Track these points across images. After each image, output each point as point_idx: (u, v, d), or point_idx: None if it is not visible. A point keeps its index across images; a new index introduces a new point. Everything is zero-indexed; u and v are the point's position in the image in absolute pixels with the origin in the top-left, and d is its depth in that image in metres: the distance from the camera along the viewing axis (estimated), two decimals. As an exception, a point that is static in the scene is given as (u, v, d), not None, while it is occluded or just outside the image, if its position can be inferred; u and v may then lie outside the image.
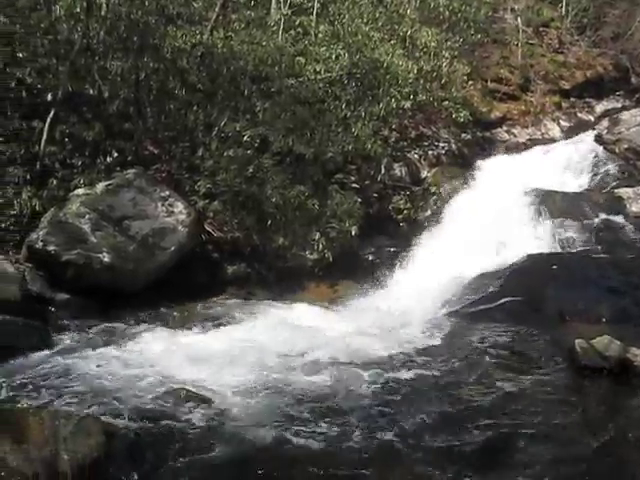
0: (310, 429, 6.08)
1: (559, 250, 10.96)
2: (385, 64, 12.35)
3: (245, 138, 11.11)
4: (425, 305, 9.74)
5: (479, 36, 16.09)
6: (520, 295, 9.67)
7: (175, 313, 9.66)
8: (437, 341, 8.63)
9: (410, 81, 12.83)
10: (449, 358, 7.97)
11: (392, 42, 13.42)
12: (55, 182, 10.25)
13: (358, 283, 11.09)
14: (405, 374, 7.42)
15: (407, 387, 7.04)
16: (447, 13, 15.60)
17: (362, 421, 6.28)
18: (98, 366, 7.39)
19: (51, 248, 9.49)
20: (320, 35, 13.40)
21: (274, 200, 10.86)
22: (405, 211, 12.72)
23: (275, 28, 13.43)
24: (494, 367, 7.71)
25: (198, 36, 12.07)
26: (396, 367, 7.63)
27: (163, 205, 10.15)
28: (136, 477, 5.33)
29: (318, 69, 12.47)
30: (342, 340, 8.36)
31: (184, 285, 10.23)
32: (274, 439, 5.91)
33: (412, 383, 7.19)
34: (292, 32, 13.43)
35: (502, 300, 9.63)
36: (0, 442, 5.21)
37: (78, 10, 11.18)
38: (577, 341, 7.72)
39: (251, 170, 10.94)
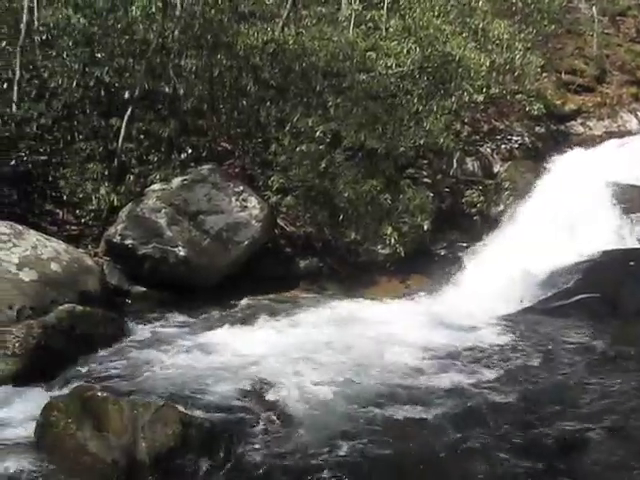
0: (387, 425, 6.02)
1: (637, 246, 10.68)
2: (457, 57, 12.19)
3: (317, 133, 11.15)
4: (498, 301, 9.60)
5: (553, 27, 15.77)
6: (596, 292, 9.44)
7: (248, 307, 9.75)
8: (512, 338, 8.46)
9: (482, 74, 12.65)
10: (525, 355, 7.80)
11: (464, 35, 13.24)
12: (132, 178, 10.50)
13: (430, 278, 11.03)
14: (481, 371, 7.31)
15: (484, 384, 6.92)
16: (520, 4, 15.38)
17: (440, 416, 6.20)
18: (174, 357, 7.49)
19: (128, 242, 9.73)
20: (391, 29, 13.34)
21: (346, 195, 10.88)
22: (478, 206, 12.58)
23: (346, 23, 13.44)
24: (571, 365, 7.53)
25: (270, 33, 12.15)
26: (471, 364, 7.52)
27: (237, 200, 10.28)
28: (211, 466, 5.37)
29: (389, 64, 12.41)
30: (415, 336, 8.29)
31: (257, 279, 10.36)
32: (347, 434, 5.89)
33: (489, 380, 7.06)
34: (363, 27, 13.41)
35: (577, 297, 9.42)
36: (81, 429, 5.36)
37: (153, 10, 11.43)
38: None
39: (323, 165, 10.99)
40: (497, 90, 13.65)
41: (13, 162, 10.23)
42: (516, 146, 13.98)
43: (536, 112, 14.06)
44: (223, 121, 11.80)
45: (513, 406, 6.37)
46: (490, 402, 6.45)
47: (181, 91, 11.48)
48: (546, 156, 13.73)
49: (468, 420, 6.08)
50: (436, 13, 13.47)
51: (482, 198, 12.67)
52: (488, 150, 13.68)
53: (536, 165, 13.40)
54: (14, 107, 10.57)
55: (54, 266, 8.60)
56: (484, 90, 12.96)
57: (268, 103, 11.82)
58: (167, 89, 11.53)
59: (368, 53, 12.49)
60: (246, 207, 10.30)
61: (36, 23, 11.35)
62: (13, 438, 5.72)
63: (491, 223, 12.17)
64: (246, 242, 10.20)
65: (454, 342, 8.17)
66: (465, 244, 11.92)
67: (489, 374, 7.15)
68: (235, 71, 11.80)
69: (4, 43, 11.18)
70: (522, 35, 14.41)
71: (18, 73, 10.70)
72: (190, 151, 11.17)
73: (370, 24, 13.50)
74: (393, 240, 11.02)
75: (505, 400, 6.48)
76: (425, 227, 11.38)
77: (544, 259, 10.13)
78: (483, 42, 13.64)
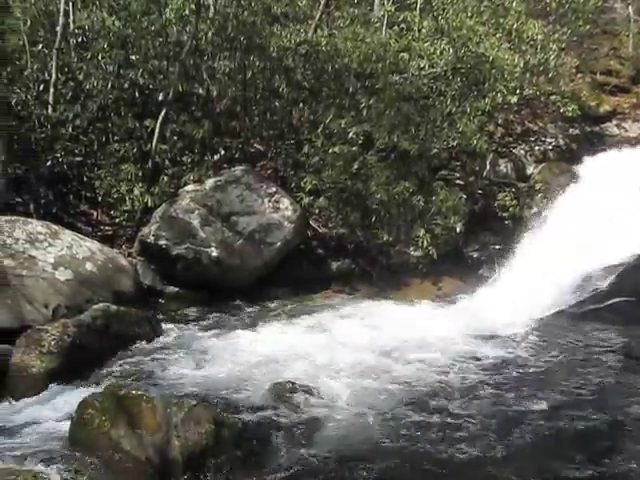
0: (417, 426, 6.00)
1: (673, 250, 10.51)
2: (490, 58, 12.10)
3: (350, 135, 11.14)
4: (531, 304, 9.51)
5: (588, 27, 15.58)
6: (631, 295, 9.34)
7: (281, 307, 9.78)
8: (544, 341, 8.41)
9: (516, 75, 12.54)
10: (558, 359, 7.76)
11: (497, 36, 13.15)
12: (166, 179, 10.58)
13: (462, 280, 10.98)
14: (513, 374, 7.27)
15: (516, 387, 6.88)
16: (554, 4, 15.22)
17: (469, 416, 6.19)
18: (206, 357, 7.57)
19: (162, 242, 9.81)
20: (424, 30, 13.29)
21: (379, 196, 10.86)
22: (511, 208, 12.45)
23: (378, 24, 13.42)
24: (606, 369, 7.47)
25: (303, 34, 12.17)
26: (503, 367, 7.49)
27: (270, 201, 10.32)
28: (243, 466, 5.39)
29: (422, 65, 12.39)
30: (446, 339, 8.26)
31: (289, 280, 10.40)
32: (377, 433, 5.89)
33: (521, 383, 7.03)
34: (395, 28, 13.37)
35: (611, 300, 9.34)
36: (115, 426, 5.40)
37: (187, 13, 11.47)
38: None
39: (356, 166, 10.98)
40: (531, 91, 13.53)
41: (49, 163, 10.36)
42: (550, 148, 13.83)
43: (570, 113, 13.90)
44: (256, 122, 11.85)
45: (550, 411, 6.30)
46: (523, 407, 6.40)
47: (214, 93, 11.55)
48: (580, 158, 13.58)
49: (501, 423, 6.05)
50: (469, 14, 13.41)
51: (515, 201, 12.54)
52: (521, 152, 13.55)
53: (570, 167, 13.24)
54: (50, 109, 10.70)
55: (89, 266, 8.69)
56: (518, 91, 12.84)
57: (301, 105, 11.86)
58: (200, 91, 11.60)
59: (401, 54, 12.46)
60: (279, 208, 10.33)
61: (72, 26, 11.49)
62: (48, 435, 5.79)
63: (524, 226, 12.04)
64: (278, 243, 10.23)
65: (486, 345, 8.15)
66: (498, 247, 11.84)
67: (522, 378, 7.11)
68: (268, 73, 11.84)
69: (40, 46, 11.31)
70: (556, 35, 14.26)
71: (54, 75, 10.84)
72: (223, 152, 11.24)
73: (403, 25, 13.45)
74: (425, 242, 10.98)
75: (540, 405, 6.43)
76: (458, 229, 11.32)
77: (578, 262, 10.03)
78: (517, 43, 13.52)
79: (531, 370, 7.38)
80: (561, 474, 5.32)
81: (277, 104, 11.80)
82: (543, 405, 6.42)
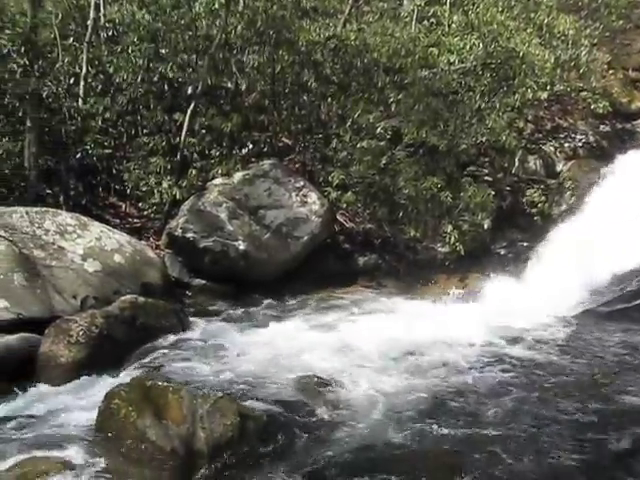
0: (441, 426, 5.93)
1: None
2: (521, 54, 12.01)
3: (378, 130, 11.13)
4: (558, 302, 9.41)
5: (620, 22, 15.34)
6: (660, 295, 9.23)
7: (307, 302, 9.79)
8: (572, 341, 8.27)
9: (547, 71, 12.43)
10: (586, 359, 7.64)
11: (528, 31, 13.04)
12: (194, 172, 10.62)
13: (489, 277, 10.88)
14: (539, 374, 7.17)
15: (543, 389, 6.78)
16: (586, -1, 15.09)
17: (494, 418, 6.11)
18: (231, 349, 7.58)
19: (190, 235, 9.85)
20: (454, 25, 13.25)
21: (406, 192, 10.83)
22: (539, 205, 12.34)
23: (408, 19, 13.40)
24: (635, 370, 7.37)
25: (332, 29, 12.18)
26: (530, 367, 7.38)
27: (297, 195, 10.32)
28: (267, 459, 5.40)
29: (452, 60, 12.33)
30: (472, 336, 8.20)
31: (316, 274, 10.40)
32: (401, 432, 5.83)
33: (548, 384, 6.93)
34: (425, 23, 13.35)
35: (640, 300, 9.23)
36: (141, 417, 5.44)
37: (217, 6, 11.51)
38: None
39: (384, 161, 10.96)
40: (561, 87, 13.39)
41: (79, 155, 10.45)
42: (580, 145, 13.68)
43: (601, 110, 13.74)
44: (284, 117, 11.86)
45: (579, 415, 6.21)
46: (550, 410, 6.32)
47: (243, 86, 11.58)
48: (611, 155, 13.42)
49: (528, 425, 5.97)
50: (500, 8, 13.32)
51: (544, 197, 12.43)
52: (551, 148, 13.42)
53: (600, 164, 13.09)
54: (80, 102, 10.79)
55: (117, 257, 8.75)
56: (548, 87, 12.72)
57: (329, 99, 11.85)
58: (229, 84, 11.64)
59: (430, 49, 12.43)
60: (306, 202, 10.34)
61: (102, 19, 11.57)
62: (76, 424, 5.85)
63: (553, 223, 11.94)
64: (305, 237, 10.24)
65: (512, 344, 8.05)
66: (525, 244, 11.74)
67: (549, 379, 7.02)
68: (297, 67, 11.82)
69: (71, 39, 11.41)
70: (588, 31, 14.13)
71: (84, 68, 10.92)
72: (251, 146, 11.27)
73: (432, 20, 13.43)
74: (453, 238, 10.94)
75: (568, 408, 6.34)
76: (485, 226, 11.27)
77: (606, 261, 9.92)
78: (548, 38, 13.42)
79: (559, 371, 7.24)
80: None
81: (305, 98, 11.79)
82: (571, 408, 6.31)
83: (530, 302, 9.47)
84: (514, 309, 9.25)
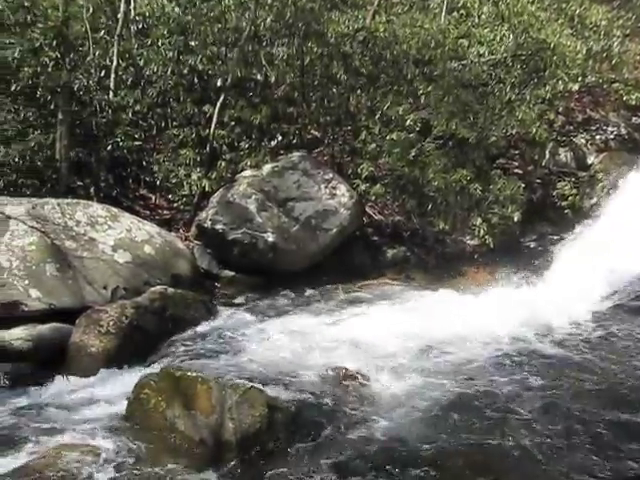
0: (469, 422, 5.90)
1: None
2: (552, 45, 11.87)
3: (408, 122, 11.05)
4: (588, 297, 9.28)
5: (654, 13, 15.18)
6: (693, 290, 9.09)
7: (335, 294, 9.76)
8: (603, 336, 8.15)
9: (578, 62, 12.27)
10: (618, 356, 7.54)
11: (559, 21, 12.92)
12: (223, 164, 10.65)
13: (518, 270, 10.79)
14: (568, 370, 7.09)
15: (575, 385, 6.70)
16: (619, -11, 14.87)
17: (527, 418, 6.04)
18: (260, 341, 7.61)
19: (219, 227, 9.89)
20: (483, 16, 13.13)
21: (435, 184, 10.75)
22: (570, 198, 12.20)
23: (437, 10, 13.33)
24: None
25: (361, 21, 12.15)
26: (561, 362, 7.29)
27: (326, 187, 10.32)
28: (294, 450, 5.44)
29: (482, 51, 12.24)
30: (502, 331, 8.14)
31: (344, 267, 10.39)
32: (428, 426, 5.82)
33: (578, 380, 6.85)
34: (455, 14, 13.24)
35: (672, 296, 9.09)
36: (171, 407, 5.51)
37: (246, -1, 11.53)
38: None
39: (413, 153, 10.90)
40: (593, 79, 13.23)
41: (109, 147, 10.51)
42: (612, 137, 13.50)
43: (634, 102, 13.52)
44: (313, 109, 11.84)
45: (613, 412, 6.13)
46: (580, 406, 6.24)
47: (272, 79, 11.57)
48: (643, 148, 13.26)
49: (556, 422, 5.92)
50: (530, -1, 13.19)
51: (575, 190, 12.29)
52: (582, 141, 13.26)
53: (633, 157, 12.92)
54: (111, 94, 10.85)
55: (147, 249, 8.81)
56: (579, 79, 12.56)
57: (358, 91, 11.82)
58: (258, 77, 11.64)
59: (460, 40, 12.34)
60: (335, 195, 10.33)
61: (132, 13, 11.61)
62: (105, 413, 5.94)
63: (583, 216, 11.82)
64: (334, 230, 10.24)
65: (541, 339, 7.97)
66: (556, 237, 11.63)
67: (579, 375, 6.94)
68: (326, 59, 11.79)
69: (102, 32, 11.47)
70: (620, 21, 13.93)
71: (115, 61, 10.98)
72: (280, 138, 11.27)
73: (462, 11, 13.31)
74: (482, 231, 10.87)
75: (599, 405, 6.26)
76: (515, 218, 11.16)
77: (638, 255, 9.80)
78: (579, 29, 13.28)
79: (590, 367, 7.13)
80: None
81: (335, 90, 11.76)
82: (606, 406, 6.21)
83: (560, 296, 9.38)
84: (543, 303, 9.17)
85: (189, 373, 5.83)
